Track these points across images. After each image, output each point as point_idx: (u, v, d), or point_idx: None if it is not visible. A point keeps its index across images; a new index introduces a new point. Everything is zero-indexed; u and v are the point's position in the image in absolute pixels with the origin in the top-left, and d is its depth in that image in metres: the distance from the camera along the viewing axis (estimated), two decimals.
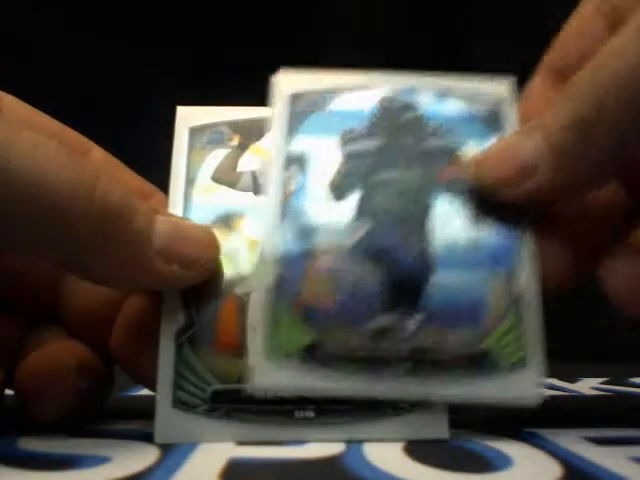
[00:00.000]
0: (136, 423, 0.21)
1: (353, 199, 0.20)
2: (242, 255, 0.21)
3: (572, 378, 0.38)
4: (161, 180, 0.22)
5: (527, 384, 0.19)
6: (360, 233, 0.20)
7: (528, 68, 0.24)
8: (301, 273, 0.19)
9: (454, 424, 0.19)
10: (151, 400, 0.19)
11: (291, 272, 0.19)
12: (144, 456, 0.17)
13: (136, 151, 0.29)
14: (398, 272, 0.19)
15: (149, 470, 0.16)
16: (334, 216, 0.20)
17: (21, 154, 0.16)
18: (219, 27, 0.62)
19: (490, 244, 0.20)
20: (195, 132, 0.22)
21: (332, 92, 0.22)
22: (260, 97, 0.23)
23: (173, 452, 0.17)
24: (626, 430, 0.21)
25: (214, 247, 0.20)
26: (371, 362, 0.19)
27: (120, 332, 0.21)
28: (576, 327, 0.58)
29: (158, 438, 0.18)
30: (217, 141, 0.22)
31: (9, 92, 0.22)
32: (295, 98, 0.22)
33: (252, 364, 0.18)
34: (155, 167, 0.23)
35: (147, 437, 0.19)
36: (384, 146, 0.21)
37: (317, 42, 0.64)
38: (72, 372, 0.20)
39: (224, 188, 0.22)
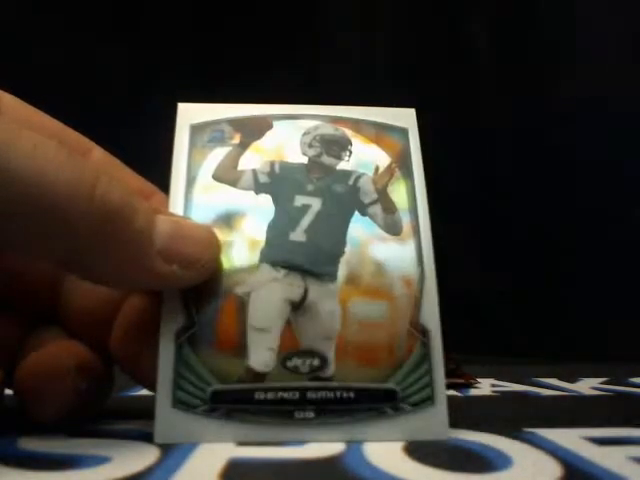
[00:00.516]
0: (136, 423, 0.21)
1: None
2: (243, 255, 0.21)
3: (572, 378, 0.38)
4: (162, 180, 0.22)
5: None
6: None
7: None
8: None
9: (454, 424, 0.19)
10: (151, 400, 0.19)
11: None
12: (144, 456, 0.17)
13: (136, 151, 0.29)
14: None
15: (149, 470, 0.16)
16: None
17: (21, 154, 0.16)
18: (219, 27, 0.63)
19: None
20: (196, 130, 0.22)
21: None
22: (260, 96, 0.23)
23: (173, 452, 0.17)
24: (626, 430, 0.21)
25: (215, 247, 0.20)
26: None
27: (120, 332, 0.21)
28: (576, 327, 0.58)
29: (158, 438, 0.18)
30: (218, 139, 0.22)
31: (9, 92, 0.22)
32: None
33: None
34: (155, 167, 0.23)
35: (147, 437, 0.19)
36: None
37: (317, 42, 0.64)
38: (72, 372, 0.20)
39: (225, 187, 0.22)
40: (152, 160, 0.25)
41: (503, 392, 0.33)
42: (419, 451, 0.18)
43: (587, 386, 0.35)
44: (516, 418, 0.23)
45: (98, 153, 0.23)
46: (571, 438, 0.20)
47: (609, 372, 0.40)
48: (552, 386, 0.35)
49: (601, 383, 0.36)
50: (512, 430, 0.20)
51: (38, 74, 0.55)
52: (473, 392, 0.33)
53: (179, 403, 0.19)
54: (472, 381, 0.36)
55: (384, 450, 0.18)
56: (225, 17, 0.62)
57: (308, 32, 0.64)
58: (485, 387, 0.35)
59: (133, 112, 0.57)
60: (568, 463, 0.17)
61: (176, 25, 0.63)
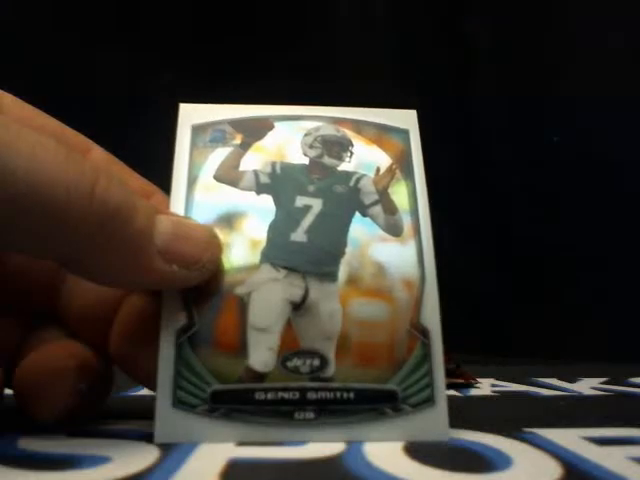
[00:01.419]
0: (136, 423, 0.21)
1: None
2: (243, 255, 0.21)
3: (572, 378, 0.38)
4: (162, 180, 0.22)
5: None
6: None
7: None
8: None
9: (454, 424, 0.19)
10: (151, 400, 0.19)
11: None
12: (144, 456, 0.17)
13: (137, 151, 0.29)
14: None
15: (149, 470, 0.16)
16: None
17: (20, 154, 0.16)
18: (219, 27, 0.63)
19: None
20: (197, 130, 0.22)
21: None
22: (261, 97, 0.23)
23: (173, 452, 0.17)
24: (626, 430, 0.21)
25: (216, 247, 0.20)
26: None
27: (119, 332, 0.21)
28: (576, 327, 0.58)
29: (158, 438, 0.18)
30: (219, 140, 0.22)
31: (9, 92, 0.22)
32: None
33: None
34: (156, 167, 0.23)
35: (147, 437, 0.19)
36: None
37: (318, 43, 0.64)
38: (71, 372, 0.20)
39: (226, 187, 0.22)
40: (153, 160, 0.25)
41: (503, 392, 0.33)
42: (419, 451, 0.18)
43: (587, 386, 0.35)
44: (516, 418, 0.23)
45: (98, 153, 0.23)
46: (571, 438, 0.20)
47: (609, 372, 0.40)
48: (552, 386, 0.35)
49: (601, 383, 0.36)
50: (512, 430, 0.20)
51: (38, 74, 0.55)
52: (473, 392, 0.33)
53: (179, 403, 0.19)
54: (472, 381, 0.36)
55: (384, 450, 0.18)
56: (225, 17, 0.62)
57: (308, 33, 0.64)
58: (485, 387, 0.35)
59: (133, 112, 0.57)
60: (568, 463, 0.17)
61: (176, 25, 0.63)
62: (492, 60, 0.65)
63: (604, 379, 0.38)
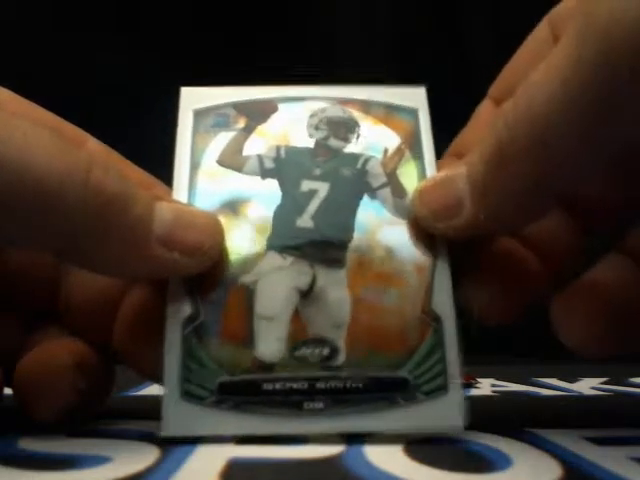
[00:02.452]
0: (136, 423, 0.21)
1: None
2: (249, 242, 0.20)
3: (572, 378, 0.38)
4: (163, 172, 0.22)
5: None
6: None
7: None
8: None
9: None
10: (151, 399, 0.19)
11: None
12: (144, 456, 0.17)
13: (139, 147, 0.29)
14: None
15: (149, 470, 0.16)
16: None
17: (12, 143, 0.16)
18: (220, 26, 0.62)
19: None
20: (199, 114, 0.22)
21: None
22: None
23: (173, 452, 0.17)
24: (626, 430, 0.21)
25: (218, 234, 0.20)
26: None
27: (123, 326, 0.21)
28: None
29: (165, 431, 0.18)
30: (222, 124, 0.22)
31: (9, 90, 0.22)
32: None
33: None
34: (156, 162, 0.22)
35: (147, 437, 0.19)
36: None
37: (318, 39, 0.64)
38: (70, 371, 0.20)
39: (230, 172, 0.21)
40: (154, 154, 0.25)
41: (503, 392, 0.33)
42: (419, 451, 0.18)
43: (587, 386, 0.35)
44: (516, 418, 0.23)
45: (94, 144, 0.23)
46: (571, 438, 0.20)
47: (609, 372, 0.40)
48: (552, 386, 0.35)
49: (601, 383, 0.36)
50: (512, 430, 0.20)
51: (37, 72, 0.55)
52: (473, 392, 0.33)
53: (186, 395, 0.18)
54: (472, 381, 0.36)
55: (384, 450, 0.18)
56: (225, 17, 0.62)
57: (308, 31, 0.64)
58: (485, 387, 0.35)
59: (134, 109, 0.57)
60: (568, 463, 0.17)
61: (176, 23, 0.63)
62: (492, 60, 0.65)
63: (604, 379, 0.38)
